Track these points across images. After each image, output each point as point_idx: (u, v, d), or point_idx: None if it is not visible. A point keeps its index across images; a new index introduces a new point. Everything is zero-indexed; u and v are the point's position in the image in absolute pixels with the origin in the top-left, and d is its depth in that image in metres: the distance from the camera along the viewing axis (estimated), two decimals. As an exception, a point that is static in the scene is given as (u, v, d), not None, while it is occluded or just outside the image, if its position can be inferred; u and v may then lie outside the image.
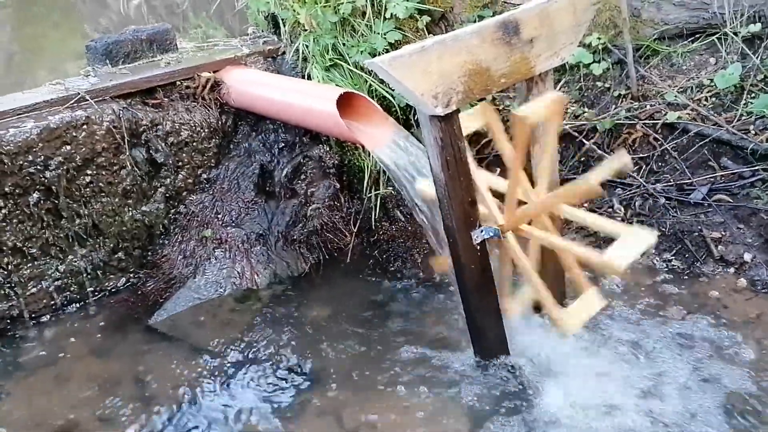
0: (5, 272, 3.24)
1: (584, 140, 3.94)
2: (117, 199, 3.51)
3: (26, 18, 8.67)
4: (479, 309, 2.72)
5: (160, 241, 3.75)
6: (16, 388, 3.02)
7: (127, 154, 3.46)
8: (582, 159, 3.94)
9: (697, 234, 3.42)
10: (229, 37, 4.57)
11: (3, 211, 3.14)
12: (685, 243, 3.42)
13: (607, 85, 4.15)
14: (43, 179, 3.20)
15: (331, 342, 3.15)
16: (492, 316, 2.75)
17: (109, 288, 3.61)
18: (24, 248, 3.27)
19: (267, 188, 3.90)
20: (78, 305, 3.51)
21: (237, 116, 3.93)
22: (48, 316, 3.43)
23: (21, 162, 3.12)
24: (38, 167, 3.17)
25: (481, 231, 2.60)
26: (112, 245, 3.56)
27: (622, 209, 3.70)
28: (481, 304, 2.71)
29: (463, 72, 2.33)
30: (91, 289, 3.54)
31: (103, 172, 3.43)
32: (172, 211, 3.78)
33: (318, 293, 3.55)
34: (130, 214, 3.58)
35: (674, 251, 3.42)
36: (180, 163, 3.74)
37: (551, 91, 2.64)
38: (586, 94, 4.21)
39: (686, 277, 3.29)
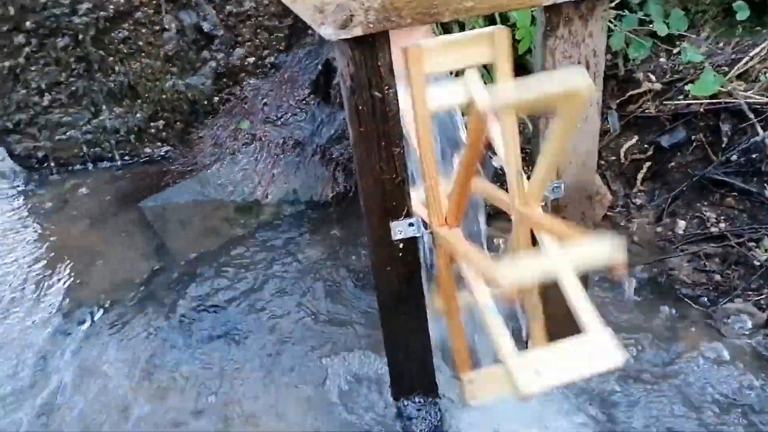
0: (32, 112, 3.19)
1: (760, 127, 2.53)
2: (158, 63, 3.20)
3: None
4: (396, 334, 1.90)
5: (206, 121, 3.41)
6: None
7: (169, 14, 3.07)
8: (743, 155, 2.55)
9: None
10: None
11: (26, 49, 3.02)
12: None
13: None
14: (69, 24, 2.98)
15: (306, 298, 2.52)
16: (415, 348, 1.92)
17: (143, 155, 3.42)
18: (52, 93, 3.17)
19: (327, 89, 3.27)
20: (106, 164, 3.39)
21: (321, -4, 3.26)
22: (75, 167, 3.38)
23: (44, 0, 2.92)
24: (64, 10, 2.95)
25: (410, 225, 1.74)
26: (150, 112, 3.31)
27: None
28: (399, 327, 1.89)
29: (384, -27, 1.42)
30: (122, 152, 3.38)
31: (143, 30, 3.11)
32: (225, 90, 3.37)
33: (327, 230, 2.93)
34: (171, 82, 3.26)
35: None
36: (239, 39, 3.27)
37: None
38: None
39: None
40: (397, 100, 1.60)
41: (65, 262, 2.79)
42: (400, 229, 1.73)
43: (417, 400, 1.99)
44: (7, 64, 3.04)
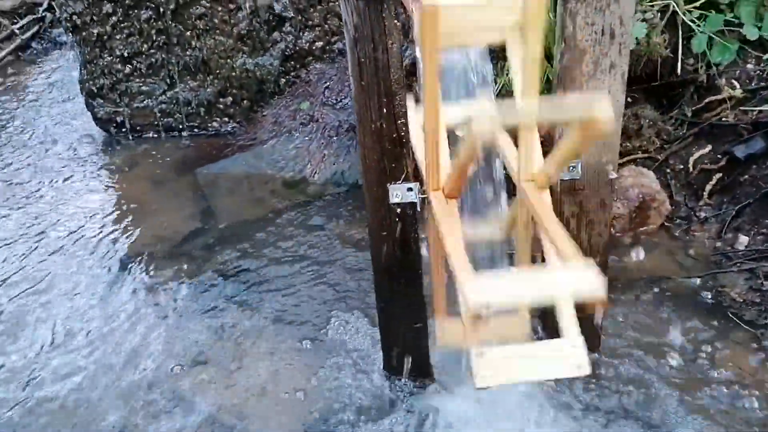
0: (114, 78, 3.41)
1: None
2: (231, 41, 3.32)
3: None
4: (390, 302, 1.84)
5: (271, 101, 3.49)
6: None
7: (244, -6, 3.19)
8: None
9: None
10: None
11: (113, 18, 3.23)
12: None
13: None
14: (152, -3, 3.18)
15: (331, 273, 2.51)
16: (408, 319, 1.85)
17: (210, 129, 3.55)
18: (133, 62, 3.37)
19: (389, 77, 3.25)
20: (175, 134, 3.55)
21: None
22: (148, 134, 3.57)
23: (130, -27, 3.12)
24: (148, -17, 3.15)
25: (408, 189, 1.69)
26: (219, 87, 3.44)
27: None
28: (394, 295, 1.83)
29: None
30: (192, 124, 3.53)
31: (219, 8, 3.24)
32: (292, 73, 3.45)
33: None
34: (242, 60, 3.37)
35: None
36: (309, 23, 3.34)
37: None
38: None
39: None
40: (401, 56, 1.56)
41: (121, 215, 2.98)
42: (397, 193, 1.68)
43: (408, 379, 1.92)
44: (95, 31, 3.28)
